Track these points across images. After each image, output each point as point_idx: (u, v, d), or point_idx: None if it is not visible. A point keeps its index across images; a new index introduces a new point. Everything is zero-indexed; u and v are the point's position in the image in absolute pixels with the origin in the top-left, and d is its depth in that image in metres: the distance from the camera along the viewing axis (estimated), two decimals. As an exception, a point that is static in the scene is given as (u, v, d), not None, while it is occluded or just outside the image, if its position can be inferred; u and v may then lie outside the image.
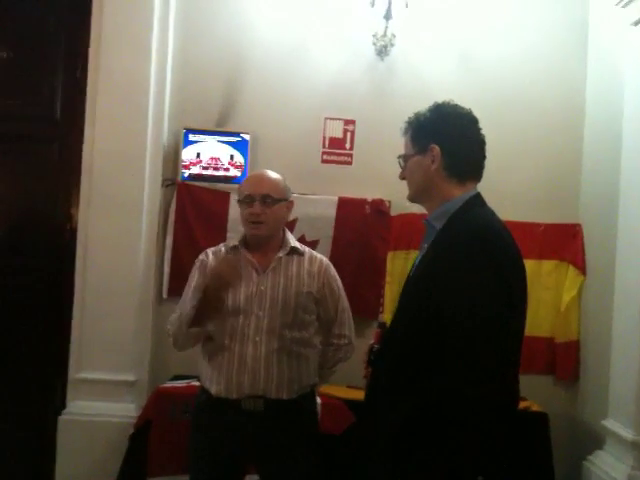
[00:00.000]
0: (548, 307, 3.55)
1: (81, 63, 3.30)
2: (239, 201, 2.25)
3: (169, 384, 3.24)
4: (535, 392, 3.28)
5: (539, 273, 3.54)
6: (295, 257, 2.28)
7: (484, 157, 1.70)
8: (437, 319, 1.47)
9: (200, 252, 3.42)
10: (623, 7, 2.99)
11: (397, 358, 1.57)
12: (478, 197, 1.66)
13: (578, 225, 3.56)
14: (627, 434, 2.82)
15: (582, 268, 3.51)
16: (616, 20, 3.12)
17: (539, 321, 3.51)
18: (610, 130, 3.20)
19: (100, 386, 3.20)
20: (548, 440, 3.17)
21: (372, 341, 1.81)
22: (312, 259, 2.31)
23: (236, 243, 2.29)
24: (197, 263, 2.32)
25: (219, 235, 3.47)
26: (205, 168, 3.50)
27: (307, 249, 2.35)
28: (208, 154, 3.49)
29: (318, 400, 2.47)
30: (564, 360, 3.53)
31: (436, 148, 1.65)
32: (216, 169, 3.51)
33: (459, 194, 1.64)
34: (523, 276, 1.58)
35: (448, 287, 1.47)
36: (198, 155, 3.49)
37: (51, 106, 3.42)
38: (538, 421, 3.19)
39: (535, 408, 3.24)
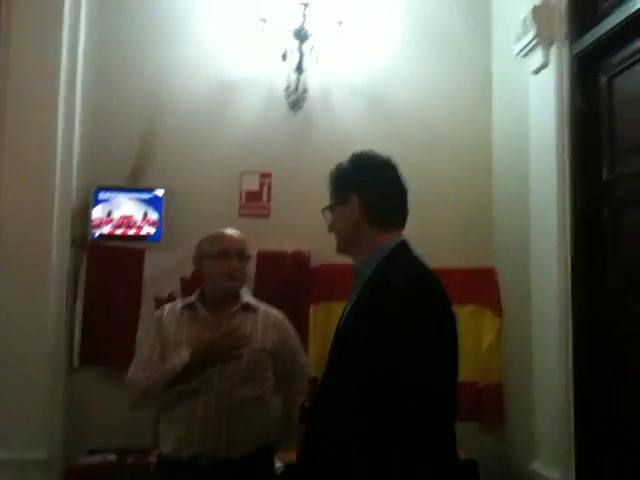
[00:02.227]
0: (469, 351, 3.57)
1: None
2: (208, 257, 2.25)
3: (84, 460, 3.04)
4: (462, 439, 3.25)
5: (458, 318, 3.54)
6: (250, 313, 2.29)
7: (406, 203, 1.70)
8: (379, 373, 1.42)
9: (113, 315, 3.33)
10: (523, 57, 3.15)
11: (340, 417, 1.50)
12: (404, 244, 1.66)
13: (492, 269, 3.64)
14: (555, 476, 2.81)
15: (499, 311, 3.58)
16: (517, 69, 3.27)
17: (462, 366, 3.50)
18: (518, 174, 3.31)
19: (8, 466, 2.94)
20: (479, 487, 3.15)
21: (303, 398, 1.75)
22: (267, 314, 2.32)
23: (191, 300, 2.28)
24: (153, 320, 2.31)
25: (134, 295, 3.35)
26: (117, 226, 3.38)
27: (263, 305, 2.36)
28: (120, 212, 3.39)
29: (278, 464, 2.43)
30: (489, 404, 3.55)
31: (355, 197, 1.65)
32: (129, 227, 3.39)
33: (385, 242, 1.63)
34: (455, 322, 1.57)
35: (390, 340, 1.43)
36: (109, 213, 3.37)
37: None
38: (467, 469, 3.16)
39: (463, 455, 3.21)
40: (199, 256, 2.32)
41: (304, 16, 3.37)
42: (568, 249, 2.82)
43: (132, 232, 3.40)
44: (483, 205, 3.70)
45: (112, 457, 3.06)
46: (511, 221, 3.49)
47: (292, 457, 2.04)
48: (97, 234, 3.36)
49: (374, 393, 1.42)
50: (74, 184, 3.30)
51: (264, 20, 3.37)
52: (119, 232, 3.39)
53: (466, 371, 3.46)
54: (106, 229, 3.37)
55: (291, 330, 2.37)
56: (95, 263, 3.34)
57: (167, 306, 2.34)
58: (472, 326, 3.60)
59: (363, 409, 1.43)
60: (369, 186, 1.66)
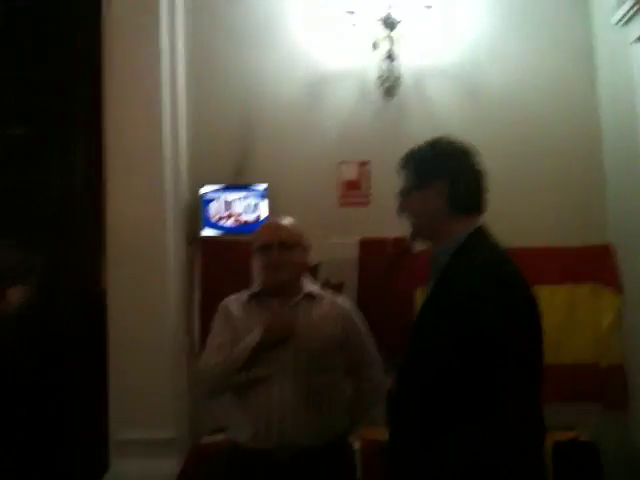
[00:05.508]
0: (588, 332, 3.45)
1: (97, 133, 3.39)
2: (255, 250, 2.28)
3: (207, 439, 3.22)
4: (583, 421, 3.18)
5: (575, 298, 3.48)
6: (314, 302, 2.28)
7: (485, 189, 1.69)
8: (457, 360, 1.43)
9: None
10: (623, 26, 3.00)
11: (422, 402, 1.51)
12: (483, 230, 1.65)
13: (609, 245, 3.49)
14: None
15: (618, 288, 3.42)
16: (619, 39, 3.13)
17: (580, 347, 3.42)
18: (629, 147, 3.18)
19: (141, 445, 3.18)
20: (600, 471, 3.04)
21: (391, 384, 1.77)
22: (333, 303, 2.30)
23: (256, 290, 2.30)
24: (220, 311, 2.33)
25: (244, 285, 3.48)
26: (226, 222, 3.56)
27: (328, 293, 2.35)
28: (228, 208, 3.56)
29: (356, 446, 2.42)
30: (611, 385, 3.41)
31: (440, 183, 1.64)
32: (236, 222, 3.57)
33: (463, 228, 1.62)
34: (535, 306, 1.55)
35: (464, 326, 1.44)
36: (219, 210, 3.56)
37: (71, 177, 3.56)
38: (588, 451, 3.07)
39: (584, 438, 3.12)
40: (252, 250, 2.32)
41: (391, 4, 3.38)
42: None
43: (240, 227, 3.56)
44: (595, 182, 3.55)
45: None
46: (626, 194, 3.33)
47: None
48: (209, 230, 3.55)
49: (460, 375, 1.42)
50: (184, 185, 3.51)
51: (352, 12, 3.42)
52: (228, 227, 3.56)
53: (585, 352, 3.41)
54: (216, 224, 3.56)
55: (359, 318, 2.33)
56: (208, 258, 3.54)
57: (232, 297, 2.35)
58: (590, 305, 3.48)
59: (451, 390, 1.44)
60: (454, 172, 1.64)
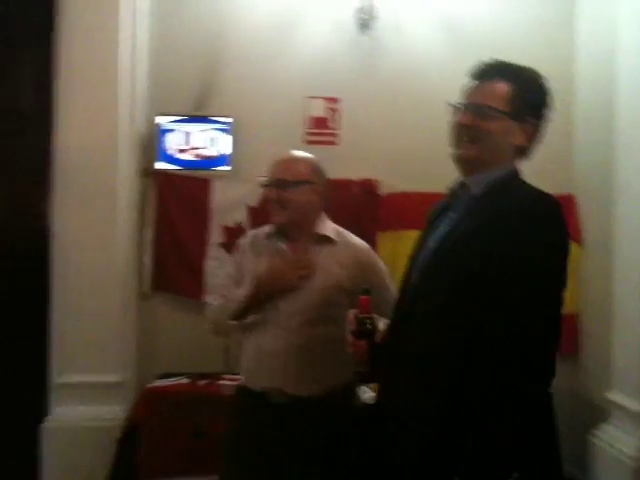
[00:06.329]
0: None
1: (49, 53, 3.11)
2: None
3: (157, 383, 3.12)
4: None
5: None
6: (326, 246, 2.09)
7: None
8: (497, 297, 1.33)
9: (182, 243, 3.36)
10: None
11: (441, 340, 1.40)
12: (518, 171, 1.52)
13: (571, 196, 3.46)
14: (632, 405, 2.77)
15: (578, 239, 3.43)
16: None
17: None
18: (602, 97, 3.11)
19: (84, 389, 3.04)
20: (553, 418, 3.09)
21: (357, 310, 1.62)
22: (347, 246, 2.12)
23: (271, 230, 2.13)
24: (239, 246, 2.19)
25: (201, 224, 3.36)
26: (185, 155, 3.36)
27: (345, 236, 2.15)
28: (187, 140, 3.35)
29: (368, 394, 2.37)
30: (564, 334, 3.43)
31: (533, 123, 1.48)
32: (197, 156, 3.37)
33: (507, 166, 1.49)
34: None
35: (515, 259, 1.33)
36: (177, 142, 3.35)
37: (17, 99, 3.25)
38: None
39: (537, 386, 3.16)
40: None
41: None
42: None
43: (200, 161, 3.37)
44: (562, 131, 3.43)
45: (185, 380, 3.15)
46: (593, 146, 3.32)
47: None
48: (165, 163, 3.35)
49: (493, 314, 1.33)
50: (141, 114, 3.27)
51: None
52: (187, 160, 3.37)
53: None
54: (174, 157, 3.35)
55: (376, 263, 2.17)
56: (164, 192, 3.35)
57: (251, 233, 2.21)
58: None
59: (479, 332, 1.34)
60: (545, 117, 1.50)
